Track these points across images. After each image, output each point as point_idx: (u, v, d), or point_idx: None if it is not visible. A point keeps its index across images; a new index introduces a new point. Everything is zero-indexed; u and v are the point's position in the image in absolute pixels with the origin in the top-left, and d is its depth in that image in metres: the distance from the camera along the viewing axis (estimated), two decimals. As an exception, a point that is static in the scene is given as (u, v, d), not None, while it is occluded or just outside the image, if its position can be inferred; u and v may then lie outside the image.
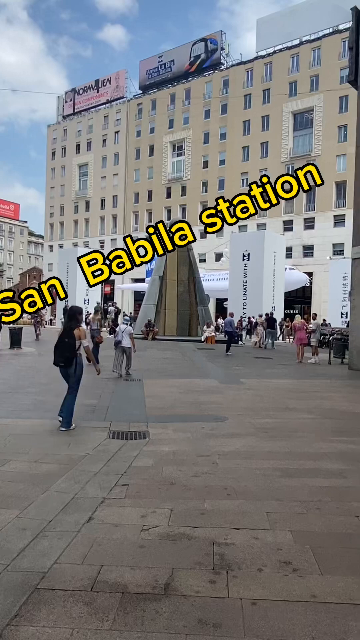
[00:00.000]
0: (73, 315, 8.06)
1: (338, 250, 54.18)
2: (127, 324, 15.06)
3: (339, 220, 55.50)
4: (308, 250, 57.41)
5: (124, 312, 63.70)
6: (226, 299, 39.18)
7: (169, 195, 70.54)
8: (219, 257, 57.45)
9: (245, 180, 62.76)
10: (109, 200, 77.75)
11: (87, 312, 38.60)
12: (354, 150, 19.26)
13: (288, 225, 58.54)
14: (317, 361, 20.00)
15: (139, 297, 56.53)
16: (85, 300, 41.40)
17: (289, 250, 48.79)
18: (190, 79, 70.08)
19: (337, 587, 3.21)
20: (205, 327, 28.07)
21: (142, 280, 54.38)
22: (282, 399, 11.00)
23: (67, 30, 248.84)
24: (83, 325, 8.34)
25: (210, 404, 10.19)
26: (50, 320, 50.49)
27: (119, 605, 2.96)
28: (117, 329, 15.41)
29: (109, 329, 31.74)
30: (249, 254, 34.16)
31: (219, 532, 3.99)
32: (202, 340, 26.88)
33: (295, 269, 47.16)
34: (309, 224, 57.72)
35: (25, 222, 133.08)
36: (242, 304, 33.31)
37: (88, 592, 3.10)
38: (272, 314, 28.95)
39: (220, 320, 35.19)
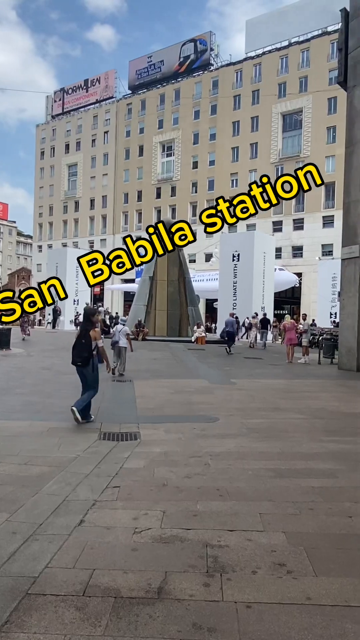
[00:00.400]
0: (88, 317, 8.51)
1: (327, 251, 54.44)
2: (123, 324, 15.28)
3: (327, 221, 55.78)
4: (297, 251, 57.65)
5: (108, 311, 63.61)
6: (216, 300, 39.19)
7: (158, 196, 70.49)
8: (208, 257, 57.45)
9: (235, 181, 62.94)
10: (98, 200, 77.54)
11: (77, 312, 38.61)
12: (343, 151, 19.35)
13: (277, 226, 58.71)
14: (307, 361, 20.05)
15: (129, 297, 56.47)
16: (74, 301, 41.25)
17: (278, 251, 48.86)
18: (179, 79, 70.07)
19: (332, 589, 3.18)
20: (195, 327, 28.05)
21: (132, 281, 54.29)
22: (273, 399, 11.00)
23: (56, 30, 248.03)
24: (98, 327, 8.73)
25: (201, 404, 10.16)
26: (39, 320, 50.11)
27: (111, 610, 2.90)
28: (113, 330, 15.59)
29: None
30: (238, 255, 34.14)
31: (212, 534, 3.94)
32: (193, 340, 26.86)
33: (285, 270, 47.27)
34: (298, 224, 57.95)
35: (14, 222, 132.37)
36: (232, 305, 33.28)
37: (80, 596, 3.05)
38: (265, 314, 29.19)
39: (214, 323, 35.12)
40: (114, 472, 5.50)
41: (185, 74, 69.93)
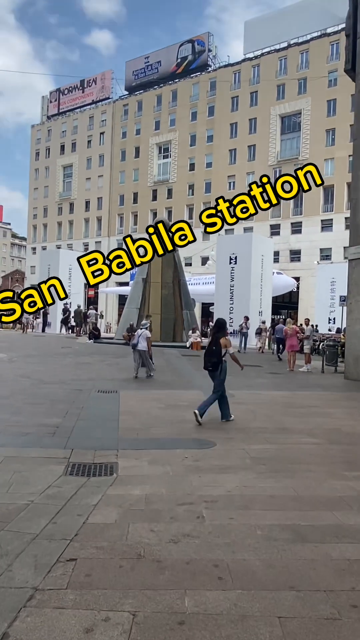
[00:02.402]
0: (221, 325, 9.23)
1: (325, 255, 53.14)
2: (144, 328, 15.45)
3: (326, 225, 54.54)
4: (295, 255, 56.29)
5: (102, 315, 62.10)
6: (212, 304, 37.72)
7: (154, 198, 69.09)
8: (205, 260, 56.00)
9: (232, 184, 61.64)
10: (93, 202, 76.09)
11: (69, 315, 37.10)
12: (342, 154, 18.12)
13: (275, 230, 57.38)
14: (310, 369, 18.64)
15: (123, 301, 54.86)
16: (67, 304, 39.70)
17: (275, 254, 47.49)
18: (177, 80, 68.78)
19: None
20: (190, 332, 26.55)
21: (126, 284, 52.66)
22: (277, 416, 9.54)
23: (54, 34, 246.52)
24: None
25: (194, 422, 8.69)
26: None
27: None
28: (135, 333, 15.90)
29: (88, 334, 30.10)
30: (236, 257, 32.68)
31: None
32: (188, 346, 25.34)
33: (283, 274, 45.91)
34: (296, 228, 56.62)
35: (9, 223, 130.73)
36: (228, 309, 31.81)
37: None
38: (273, 319, 28.28)
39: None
40: (73, 531, 4.01)
41: (182, 75, 68.65)
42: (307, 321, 20.46)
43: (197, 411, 8.48)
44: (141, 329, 15.67)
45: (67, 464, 5.97)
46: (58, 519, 4.27)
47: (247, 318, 26.91)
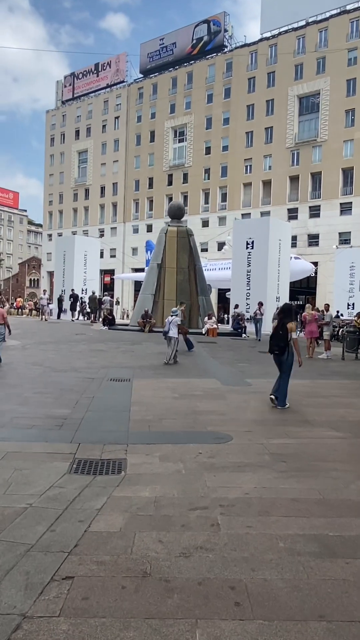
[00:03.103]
0: (288, 310, 9.59)
1: (344, 239, 52.01)
2: (174, 315, 15.50)
3: (345, 208, 53.37)
4: (313, 240, 55.22)
5: (119, 301, 61.76)
6: (229, 289, 37.11)
7: (170, 183, 68.25)
8: (221, 245, 55.23)
9: (249, 167, 60.64)
10: (108, 187, 75.47)
11: (83, 300, 36.76)
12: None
13: (293, 214, 56.27)
14: (330, 356, 18.08)
15: (139, 287, 54.51)
16: (82, 290, 39.40)
17: (293, 239, 46.51)
18: (192, 62, 67.53)
19: None
20: (206, 318, 26.04)
21: (142, 270, 52.22)
22: (297, 406, 9.04)
23: (69, 19, 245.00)
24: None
25: (210, 413, 8.25)
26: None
27: None
28: (166, 320, 15.98)
29: (101, 319, 29.77)
30: (252, 242, 31.99)
31: None
32: (203, 332, 24.87)
33: (301, 258, 45.05)
34: (314, 212, 55.49)
35: (25, 210, 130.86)
36: (245, 294, 31.20)
37: None
38: (295, 305, 27.46)
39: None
40: (72, 542, 3.59)
41: (198, 57, 67.33)
42: (327, 307, 19.84)
43: (273, 396, 8.93)
44: (172, 315, 15.66)
45: (72, 460, 5.56)
46: (57, 526, 3.85)
47: (261, 304, 25.97)
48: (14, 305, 51.26)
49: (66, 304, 35.55)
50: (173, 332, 15.02)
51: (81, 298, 36.83)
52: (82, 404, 8.58)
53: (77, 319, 34.81)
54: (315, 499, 4.55)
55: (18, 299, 58.97)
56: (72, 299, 35.16)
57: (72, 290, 36.49)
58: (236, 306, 28.05)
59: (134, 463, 5.52)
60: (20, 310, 47.66)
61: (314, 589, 3.05)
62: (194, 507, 4.29)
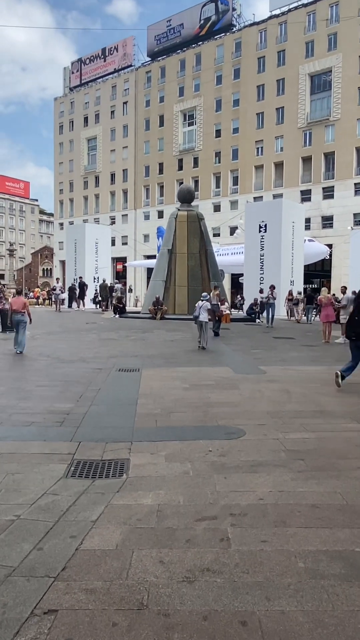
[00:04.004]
0: None
1: (359, 220, 50.92)
2: (204, 300, 15.60)
3: (360, 189, 52.21)
4: (327, 222, 54.12)
5: (132, 289, 61.30)
6: (242, 274, 36.46)
7: (180, 168, 67.35)
8: (233, 230, 54.37)
9: (260, 149, 59.54)
10: (118, 174, 74.74)
11: (95, 290, 36.29)
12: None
13: (306, 196, 55.19)
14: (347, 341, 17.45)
15: (151, 274, 54.02)
16: (94, 279, 38.99)
17: (306, 221, 45.61)
18: (200, 43, 66.22)
19: None
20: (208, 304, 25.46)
21: (154, 257, 51.67)
22: (314, 395, 8.52)
23: (75, 4, 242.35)
24: None
25: (221, 405, 7.76)
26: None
27: None
28: (196, 305, 15.99)
29: (112, 307, 29.35)
30: (265, 225, 31.32)
31: None
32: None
33: (315, 241, 44.13)
34: (328, 193, 54.31)
35: (36, 200, 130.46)
36: (258, 279, 30.57)
37: None
38: (311, 290, 27.00)
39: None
40: (60, 564, 3.13)
41: (206, 37, 65.98)
42: (343, 289, 19.19)
43: (339, 372, 9.07)
44: (202, 300, 15.72)
45: (70, 461, 5.11)
46: (46, 543, 3.39)
47: (273, 287, 24.28)
48: (32, 295, 51.21)
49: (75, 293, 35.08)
50: (203, 317, 15.10)
51: (94, 285, 36.37)
52: (87, 397, 8.14)
53: (79, 307, 34.16)
54: (338, 504, 4.05)
55: (36, 290, 58.96)
56: (79, 287, 34.67)
57: (80, 278, 36.00)
58: (261, 291, 26.82)
59: (138, 464, 5.05)
60: (37, 300, 47.34)
61: (341, 624, 2.55)
62: (201, 516, 3.81)
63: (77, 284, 35.41)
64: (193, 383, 9.56)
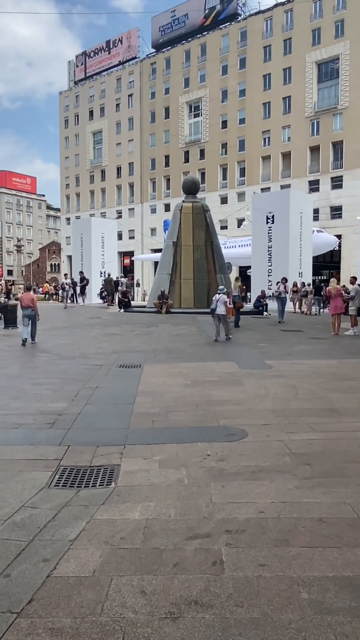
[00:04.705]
0: None
1: (369, 210, 50.10)
2: (221, 293, 15.65)
3: (369, 178, 51.32)
4: (336, 212, 53.29)
5: (139, 283, 60.87)
6: (249, 267, 35.90)
7: (187, 160, 66.63)
8: (240, 222, 53.70)
9: (267, 140, 58.71)
10: (124, 168, 74.15)
11: (102, 285, 35.86)
12: None
13: (314, 186, 54.33)
14: (357, 333, 16.98)
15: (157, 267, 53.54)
16: (101, 273, 38.59)
17: (315, 212, 44.86)
18: (205, 33, 65.29)
19: None
20: (226, 297, 24.99)
21: (161, 251, 51.24)
22: (323, 391, 8.06)
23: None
24: None
25: (223, 403, 7.34)
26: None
27: None
28: (213, 298, 16.10)
29: (117, 301, 28.95)
30: (273, 216, 30.69)
31: None
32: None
33: (324, 231, 43.42)
34: (337, 183, 53.44)
35: (43, 195, 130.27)
36: (267, 271, 30.01)
37: None
38: (320, 281, 26.34)
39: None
40: (27, 595, 2.72)
41: (211, 27, 65.03)
42: (352, 280, 18.65)
43: None
44: (219, 293, 15.77)
45: (56, 468, 4.71)
46: (14, 569, 2.99)
47: (285, 280, 23.33)
48: (41, 290, 51.03)
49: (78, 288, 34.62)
50: (220, 310, 15.22)
51: (100, 280, 35.91)
52: (83, 396, 7.74)
53: (77, 302, 33.68)
54: (348, 518, 3.61)
55: (45, 285, 58.75)
56: (82, 282, 34.19)
57: (81, 272, 35.50)
58: (281, 281, 25.14)
59: (128, 470, 4.64)
60: (46, 295, 47.03)
61: None
62: (193, 534, 3.39)
63: (77, 279, 34.97)
64: (195, 379, 9.13)
